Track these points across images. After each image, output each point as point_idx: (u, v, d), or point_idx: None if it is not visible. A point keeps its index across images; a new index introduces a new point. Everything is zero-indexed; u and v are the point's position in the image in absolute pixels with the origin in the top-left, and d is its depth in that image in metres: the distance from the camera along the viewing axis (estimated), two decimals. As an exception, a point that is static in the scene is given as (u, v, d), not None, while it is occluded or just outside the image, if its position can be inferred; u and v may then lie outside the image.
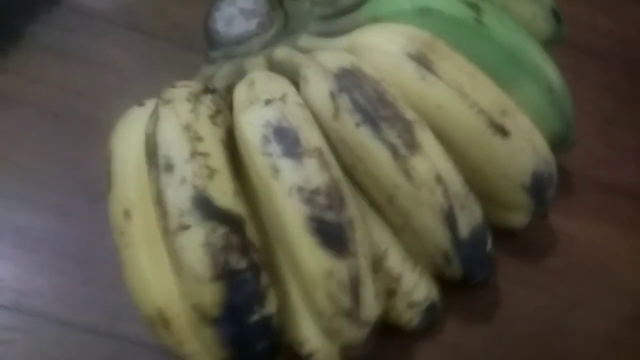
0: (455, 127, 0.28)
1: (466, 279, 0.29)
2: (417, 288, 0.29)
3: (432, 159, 0.26)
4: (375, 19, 0.31)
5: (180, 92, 0.27)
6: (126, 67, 0.37)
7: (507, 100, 0.29)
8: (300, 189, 0.25)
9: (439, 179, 0.26)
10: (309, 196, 0.25)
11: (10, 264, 0.31)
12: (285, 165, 0.25)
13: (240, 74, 0.31)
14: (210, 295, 0.24)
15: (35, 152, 0.34)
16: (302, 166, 0.25)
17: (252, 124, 0.26)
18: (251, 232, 0.25)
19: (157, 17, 0.39)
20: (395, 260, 0.29)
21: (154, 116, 0.26)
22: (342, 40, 0.30)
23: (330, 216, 0.25)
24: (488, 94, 0.28)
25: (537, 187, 0.30)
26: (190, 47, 0.38)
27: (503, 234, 0.32)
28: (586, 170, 0.40)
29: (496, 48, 0.30)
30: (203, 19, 0.35)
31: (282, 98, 0.26)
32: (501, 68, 0.31)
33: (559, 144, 0.34)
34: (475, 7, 0.30)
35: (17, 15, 0.37)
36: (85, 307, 0.31)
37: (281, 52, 0.31)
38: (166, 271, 0.26)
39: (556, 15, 0.35)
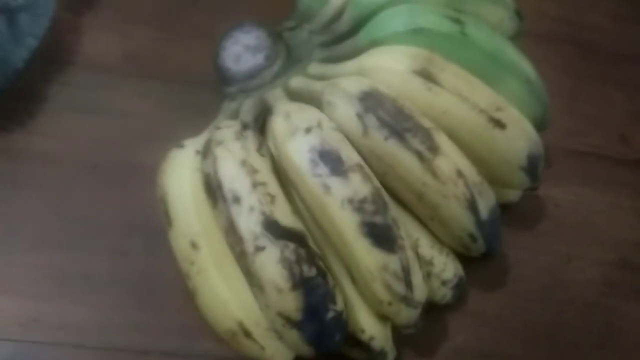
0: (461, 126, 0.33)
1: (489, 252, 0.34)
2: (447, 268, 0.34)
3: (451, 157, 0.31)
4: (374, 42, 0.36)
5: (228, 132, 0.31)
6: (148, 112, 0.40)
7: (498, 97, 0.34)
8: (350, 201, 0.29)
9: (460, 173, 0.31)
10: (358, 205, 0.29)
11: (85, 307, 0.34)
12: (335, 182, 0.29)
13: (264, 106, 0.35)
14: (292, 302, 0.28)
15: (82, 203, 0.37)
16: (348, 181, 0.29)
17: (299, 151, 0.30)
18: (312, 243, 0.30)
19: (164, 63, 0.42)
20: (426, 247, 0.34)
21: (211, 157, 0.30)
22: (351, 65, 0.35)
23: (378, 219, 0.29)
24: (483, 94, 0.33)
25: (532, 166, 0.35)
26: (201, 84, 0.41)
27: (501, 208, 0.37)
28: (558, 141, 0.46)
29: (480, 53, 0.35)
30: (212, 59, 0.38)
31: (319, 125, 0.31)
32: (487, 69, 0.36)
33: (539, 125, 0.40)
34: (458, 22, 0.35)
35: (38, 80, 0.39)
36: (162, 334, 0.34)
37: (297, 82, 0.36)
38: (240, 289, 0.30)
39: (519, 14, 0.41)
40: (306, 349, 0.29)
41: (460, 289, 0.35)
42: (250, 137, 0.32)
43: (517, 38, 0.41)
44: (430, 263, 0.34)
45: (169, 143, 0.34)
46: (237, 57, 0.38)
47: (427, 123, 0.31)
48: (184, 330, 0.34)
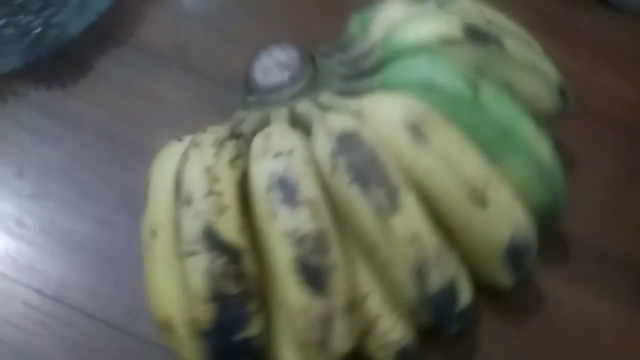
0: (440, 192, 0.32)
1: (439, 329, 0.32)
2: (393, 331, 0.33)
3: (411, 219, 0.30)
4: (386, 86, 0.35)
5: (208, 137, 0.32)
6: (177, 102, 0.43)
7: (491, 172, 0.32)
8: (292, 233, 0.29)
9: (416, 238, 0.30)
10: (298, 240, 0.29)
11: (56, 260, 0.37)
12: (283, 211, 0.29)
13: (265, 122, 0.36)
14: (204, 313, 0.29)
15: (89, 167, 0.40)
16: (296, 213, 0.29)
17: (261, 172, 0.30)
18: (249, 263, 0.30)
19: (207, 58, 0.45)
20: (375, 303, 0.32)
21: (185, 156, 0.32)
22: (354, 103, 0.35)
23: (314, 259, 0.29)
24: (473, 165, 0.32)
25: (514, 257, 0.33)
26: (233, 88, 0.43)
27: (491, 291, 0.35)
28: (586, 238, 0.42)
29: (490, 123, 0.34)
30: (245, 66, 0.40)
31: (290, 152, 0.31)
32: (493, 141, 0.34)
33: (547, 216, 0.37)
34: (474, 85, 0.34)
35: (89, 50, 0.43)
36: (113, 306, 0.36)
37: (302, 106, 0.36)
38: (176, 286, 0.31)
39: (562, 92, 0.38)
40: (208, 364, 0.29)
41: (404, 357, 0.34)
42: (230, 147, 0.32)
43: (558, 116, 0.39)
44: (373, 320, 0.33)
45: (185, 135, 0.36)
46: (266, 70, 0.39)
47: (397, 179, 0.30)
48: (133, 309, 0.36)
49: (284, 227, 0.29)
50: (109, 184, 0.40)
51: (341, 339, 0.30)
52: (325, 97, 0.37)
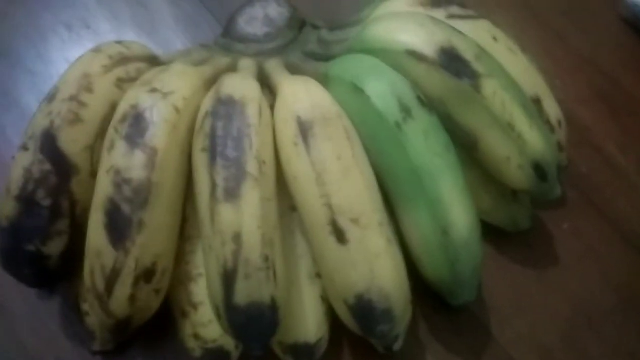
0: (300, 206, 0.27)
1: (242, 344, 0.28)
2: (211, 325, 0.29)
3: (242, 216, 0.26)
4: (325, 75, 0.31)
5: (114, 49, 0.30)
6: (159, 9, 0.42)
7: (369, 210, 0.27)
8: (117, 172, 0.27)
9: (237, 238, 0.26)
10: (119, 181, 0.26)
11: None
12: (120, 146, 0.27)
13: (232, 68, 0.33)
14: (7, 208, 0.27)
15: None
16: (131, 155, 0.27)
17: (126, 99, 0.28)
18: (78, 185, 0.28)
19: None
20: (202, 289, 0.29)
21: (81, 56, 0.30)
22: (288, 75, 0.31)
23: (125, 208, 0.26)
24: (350, 195, 0.27)
25: (362, 313, 0.27)
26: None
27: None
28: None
29: (404, 160, 0.28)
30: (238, 7, 0.37)
31: (167, 94, 0.28)
32: (400, 182, 0.28)
33: (445, 293, 0.31)
34: (406, 111, 0.28)
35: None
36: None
37: (271, 62, 0.33)
38: None
39: (538, 170, 0.31)
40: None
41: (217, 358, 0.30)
42: (130, 67, 0.30)
43: (538, 197, 0.32)
44: (193, 306, 0.30)
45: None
46: (252, 19, 0.37)
47: (252, 168, 0.26)
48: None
49: (112, 163, 0.27)
50: None
51: (121, 301, 0.27)
52: (295, 56, 0.34)
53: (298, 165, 0.27)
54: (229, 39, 0.36)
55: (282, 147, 0.28)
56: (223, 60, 0.33)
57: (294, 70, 0.33)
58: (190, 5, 0.43)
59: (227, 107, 0.27)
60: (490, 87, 0.30)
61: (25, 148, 0.28)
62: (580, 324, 0.34)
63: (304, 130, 0.27)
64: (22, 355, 0.32)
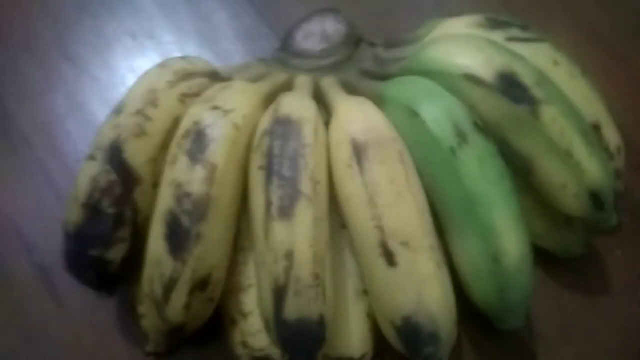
0: (352, 226, 0.28)
1: (289, 357, 0.29)
2: (259, 335, 0.30)
3: (295, 235, 0.27)
4: (381, 95, 0.31)
5: (179, 64, 0.32)
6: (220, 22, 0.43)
7: (420, 237, 0.27)
8: (178, 186, 0.28)
9: (289, 256, 0.27)
10: (180, 195, 0.28)
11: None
12: (183, 160, 0.28)
13: (288, 87, 0.34)
14: (73, 214, 0.29)
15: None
16: (192, 170, 0.28)
17: (190, 116, 0.29)
18: (141, 195, 0.29)
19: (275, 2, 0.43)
20: (252, 299, 0.30)
21: (147, 71, 0.32)
22: (344, 94, 0.32)
23: (185, 221, 0.27)
24: (401, 218, 0.27)
25: (409, 335, 0.28)
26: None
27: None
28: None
29: (457, 186, 0.28)
30: (296, 22, 0.38)
31: (228, 112, 0.29)
32: (452, 207, 0.29)
33: (493, 317, 0.31)
34: (461, 137, 0.28)
35: None
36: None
37: (327, 80, 0.34)
38: None
39: (595, 199, 0.30)
40: (65, 263, 0.30)
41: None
42: (193, 83, 0.31)
43: (595, 226, 0.31)
44: (243, 315, 0.31)
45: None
46: (309, 34, 0.38)
47: (306, 188, 0.27)
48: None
49: (174, 176, 0.28)
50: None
51: (177, 309, 0.28)
52: (351, 74, 0.34)
53: (351, 187, 0.27)
54: (285, 54, 0.37)
55: (335, 168, 0.28)
56: (280, 77, 0.34)
57: (349, 88, 0.33)
58: (250, 19, 0.44)
59: (284, 127, 0.28)
60: (549, 114, 0.29)
61: (92, 158, 0.29)
62: (628, 355, 0.33)
63: (358, 152, 0.28)
64: (77, 350, 0.33)
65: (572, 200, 0.30)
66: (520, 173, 0.31)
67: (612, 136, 0.34)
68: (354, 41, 0.37)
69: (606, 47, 0.42)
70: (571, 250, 0.34)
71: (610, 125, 0.34)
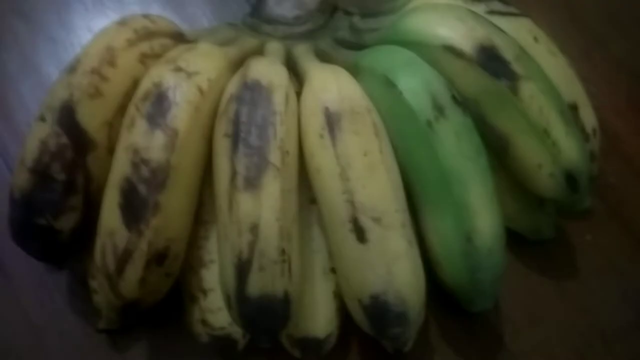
0: (321, 200, 0.26)
1: (251, 335, 0.28)
2: (219, 313, 0.29)
3: (261, 207, 0.25)
4: (355, 65, 0.30)
5: (140, 22, 0.29)
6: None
7: (392, 213, 0.26)
8: (135, 151, 0.26)
9: (254, 229, 0.25)
10: (137, 161, 0.26)
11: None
12: (141, 125, 0.26)
13: (258, 51, 0.32)
14: (20, 179, 0.27)
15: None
16: (151, 135, 0.26)
17: (150, 77, 0.27)
18: (94, 161, 0.27)
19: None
20: (214, 276, 0.29)
21: (106, 27, 0.29)
22: (317, 62, 0.30)
23: (142, 189, 0.25)
24: (374, 193, 0.26)
25: (376, 314, 0.27)
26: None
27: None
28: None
29: (432, 161, 0.27)
30: None
31: (192, 74, 0.27)
32: (426, 183, 0.27)
33: (462, 299, 0.30)
34: (439, 110, 0.27)
35: None
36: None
37: (300, 48, 0.32)
38: None
39: (571, 179, 0.30)
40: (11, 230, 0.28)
41: (224, 344, 0.29)
42: (156, 43, 0.29)
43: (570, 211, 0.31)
44: (203, 291, 0.29)
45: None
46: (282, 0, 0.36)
47: (274, 158, 0.25)
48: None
49: (131, 141, 0.26)
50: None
51: (130, 283, 0.26)
52: (326, 43, 0.33)
53: (322, 158, 0.26)
54: (256, 19, 0.35)
55: (306, 138, 0.27)
56: (250, 42, 0.32)
57: (323, 57, 0.32)
58: (219, -19, 0.42)
59: (252, 93, 0.26)
60: (528, 90, 0.28)
61: (42, 119, 0.27)
62: (595, 339, 0.33)
63: (331, 122, 0.26)
64: (25, 326, 0.31)
65: (546, 180, 0.30)
66: (495, 152, 0.30)
67: (588, 117, 0.33)
68: (329, 9, 0.35)
69: (584, 29, 0.42)
70: (541, 232, 0.34)
71: (588, 106, 0.33)
